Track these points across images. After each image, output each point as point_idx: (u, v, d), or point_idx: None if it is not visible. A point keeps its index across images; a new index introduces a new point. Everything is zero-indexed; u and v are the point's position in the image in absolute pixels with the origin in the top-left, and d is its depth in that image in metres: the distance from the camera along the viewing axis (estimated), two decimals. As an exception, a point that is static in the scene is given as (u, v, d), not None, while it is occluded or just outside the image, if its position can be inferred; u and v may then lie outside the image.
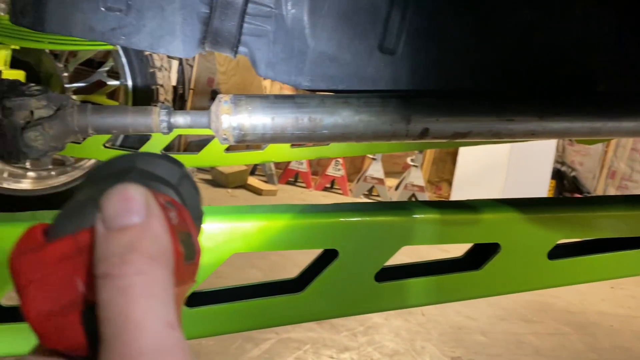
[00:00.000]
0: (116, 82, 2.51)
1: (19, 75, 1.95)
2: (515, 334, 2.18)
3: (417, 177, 5.51)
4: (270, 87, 5.56)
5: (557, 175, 6.29)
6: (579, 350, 2.15)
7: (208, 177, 4.82)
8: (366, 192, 5.63)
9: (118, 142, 2.15)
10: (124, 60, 2.27)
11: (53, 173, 2.51)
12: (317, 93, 0.92)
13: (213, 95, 5.52)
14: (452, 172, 6.00)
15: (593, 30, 0.81)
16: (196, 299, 0.55)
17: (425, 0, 0.75)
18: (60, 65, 2.49)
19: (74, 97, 2.58)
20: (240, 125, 0.83)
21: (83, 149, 1.64)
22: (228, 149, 1.76)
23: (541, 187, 5.62)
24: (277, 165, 5.39)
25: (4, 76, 1.79)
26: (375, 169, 5.51)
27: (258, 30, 0.83)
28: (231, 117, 0.84)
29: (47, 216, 0.51)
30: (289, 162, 5.38)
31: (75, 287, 0.28)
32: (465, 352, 1.91)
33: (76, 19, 0.77)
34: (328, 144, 1.83)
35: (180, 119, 0.92)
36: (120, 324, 0.25)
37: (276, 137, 0.86)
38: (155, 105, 2.28)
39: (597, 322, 2.53)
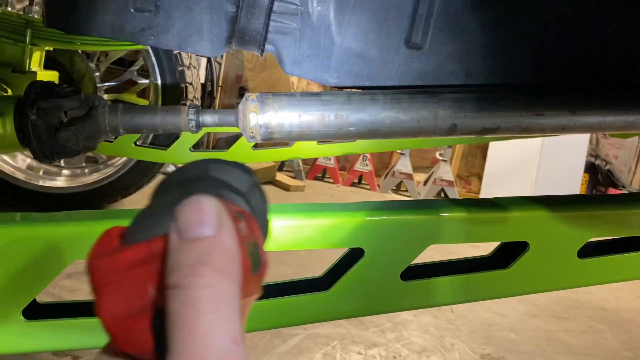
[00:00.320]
0: (146, 81, 2.56)
1: (52, 75, 2.00)
2: (547, 331, 2.14)
3: (446, 171, 5.45)
4: (297, 83, 5.57)
5: (591, 168, 6.13)
6: (612, 348, 2.10)
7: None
8: (394, 188, 5.60)
9: (149, 141, 2.18)
10: (153, 59, 2.30)
11: (86, 171, 2.57)
12: (345, 89, 0.92)
13: (241, 92, 5.56)
14: (482, 167, 5.91)
15: (627, 22, 0.79)
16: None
17: (453, -7, 0.74)
18: (92, 65, 2.55)
19: (106, 95, 2.64)
20: (267, 123, 0.84)
21: (115, 147, 1.67)
22: (255, 146, 1.78)
23: (574, 181, 5.49)
24: (305, 161, 5.40)
25: (39, 77, 1.85)
26: (403, 164, 5.47)
27: (284, 28, 0.83)
28: (258, 116, 0.84)
29: (82, 216, 0.53)
30: (316, 158, 5.39)
31: (147, 293, 0.29)
32: (495, 349, 1.89)
33: (106, 20, 0.79)
34: (355, 140, 1.83)
35: (208, 117, 0.93)
36: (186, 337, 0.26)
37: (302, 135, 0.87)
38: (184, 104, 2.32)
39: (633, 319, 2.47)
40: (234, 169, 0.40)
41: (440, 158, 5.51)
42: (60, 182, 2.53)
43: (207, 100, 4.72)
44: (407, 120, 0.86)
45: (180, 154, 1.67)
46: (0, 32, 1.83)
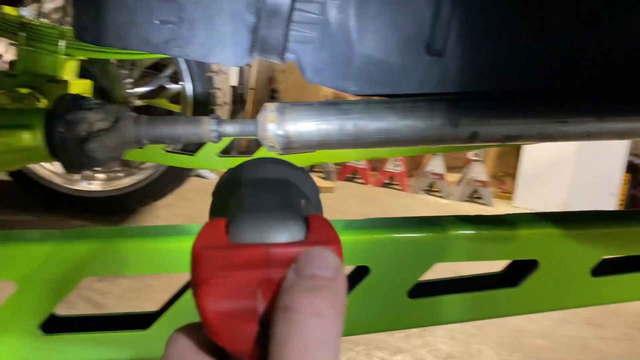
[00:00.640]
0: (176, 87, 2.61)
1: (85, 84, 2.06)
2: (579, 338, 2.08)
3: (480, 172, 5.36)
4: (327, 85, 5.56)
5: (632, 168, 5.93)
6: (650, 357, 2.03)
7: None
8: (426, 188, 5.55)
9: (178, 147, 2.23)
10: (183, 65, 2.34)
11: (120, 175, 2.64)
12: (365, 97, 0.92)
13: (272, 94, 5.60)
14: (516, 167, 5.80)
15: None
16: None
17: (475, -2, 0.73)
18: (126, 71, 2.61)
19: (139, 101, 2.70)
20: (285, 133, 0.85)
21: (145, 153, 1.71)
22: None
23: (613, 181, 5.32)
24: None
25: (72, 86, 1.90)
26: (435, 164, 5.41)
27: (304, 37, 0.84)
28: (277, 126, 0.85)
29: (95, 234, 0.54)
30: (346, 159, 5.38)
31: (256, 297, 0.29)
32: (524, 356, 1.85)
33: (132, 32, 0.80)
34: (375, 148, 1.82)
35: (229, 127, 0.94)
36: None
37: (321, 144, 0.87)
38: (213, 110, 2.34)
39: (672, 327, 2.38)
40: (307, 177, 0.40)
41: (474, 158, 5.42)
42: (95, 186, 2.60)
43: (239, 103, 4.78)
44: (426, 128, 0.86)
45: (208, 160, 1.70)
46: (36, 42, 1.90)
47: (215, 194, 0.41)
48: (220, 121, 0.95)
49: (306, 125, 0.86)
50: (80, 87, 2.02)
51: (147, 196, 2.55)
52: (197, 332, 0.31)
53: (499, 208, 5.27)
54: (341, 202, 4.27)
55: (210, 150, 1.66)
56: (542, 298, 0.58)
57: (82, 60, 2.14)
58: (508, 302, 0.57)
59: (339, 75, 0.85)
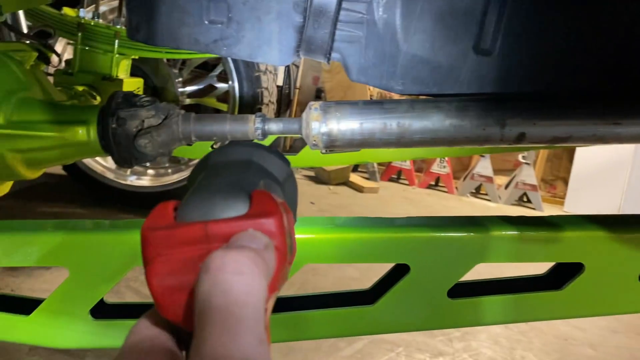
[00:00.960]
0: (224, 86, 2.65)
1: (138, 82, 2.13)
2: (630, 349, 1.99)
3: (529, 175, 5.21)
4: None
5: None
6: None
7: (311, 173, 4.92)
8: (473, 191, 5.44)
9: (225, 144, 2.27)
10: (231, 65, 2.38)
11: (169, 171, 2.71)
12: (410, 97, 0.91)
13: (318, 93, 5.63)
14: (568, 170, 5.60)
15: None
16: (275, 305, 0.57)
17: (525, -4, 0.71)
18: (176, 70, 2.68)
19: (188, 100, 2.76)
20: (329, 131, 0.85)
21: (193, 150, 1.74)
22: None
23: (673, 186, 5.06)
24: (380, 162, 5.37)
25: (125, 84, 1.97)
26: (483, 167, 5.30)
27: (350, 37, 0.84)
28: (321, 124, 0.86)
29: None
30: (391, 160, 5.34)
31: (196, 270, 0.30)
32: (571, 365, 1.80)
33: (182, 32, 0.82)
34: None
35: (273, 126, 0.95)
36: (214, 327, 0.26)
37: (364, 143, 0.87)
38: (260, 109, 2.37)
39: None
40: (274, 158, 0.42)
41: (524, 161, 5.28)
42: (145, 182, 2.68)
43: (285, 102, 4.82)
44: (472, 128, 0.84)
45: (253, 157, 1.72)
46: (92, 42, 1.98)
47: (189, 179, 0.43)
48: (265, 119, 0.96)
49: (350, 124, 0.86)
50: (133, 85, 2.08)
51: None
52: (158, 314, 0.33)
53: (549, 213, 5.11)
54: (384, 203, 4.25)
55: (256, 148, 1.68)
56: (587, 302, 0.56)
57: (134, 59, 2.21)
58: (551, 305, 0.56)
59: (384, 74, 0.84)
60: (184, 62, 2.86)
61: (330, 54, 0.83)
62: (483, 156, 5.34)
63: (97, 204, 2.69)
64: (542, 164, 5.97)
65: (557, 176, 6.07)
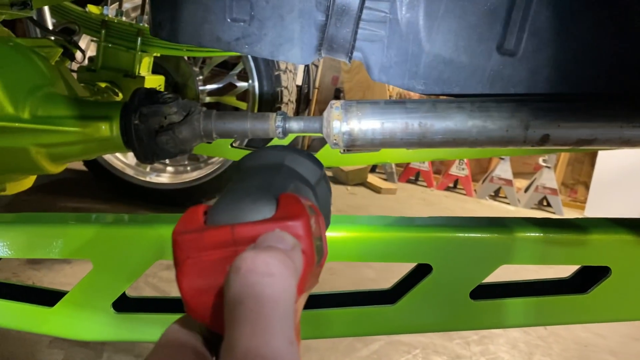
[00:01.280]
0: (244, 84, 2.66)
1: (159, 80, 2.15)
2: (652, 358, 1.96)
3: (549, 178, 5.14)
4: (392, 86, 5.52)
5: None
6: None
7: (329, 173, 4.92)
8: (492, 194, 5.39)
9: (244, 143, 2.28)
10: (251, 63, 2.39)
11: (188, 168, 2.73)
12: (431, 97, 0.90)
13: (337, 93, 5.63)
14: (589, 174, 5.52)
15: None
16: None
17: (552, -5, 0.70)
18: (196, 69, 2.70)
19: (208, 98, 2.78)
20: (350, 130, 0.85)
21: (213, 148, 1.75)
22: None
23: (697, 193, 4.95)
24: (398, 163, 5.35)
25: (147, 81, 1.99)
26: (503, 169, 5.25)
27: (372, 36, 0.84)
28: (342, 123, 0.85)
29: (165, 219, 0.57)
30: (410, 161, 5.31)
31: (224, 272, 0.30)
32: (591, 372, 1.77)
33: (205, 30, 0.83)
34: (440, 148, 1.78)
35: (294, 124, 0.95)
36: (245, 328, 0.26)
37: (385, 143, 0.87)
38: (279, 107, 2.38)
39: None
40: (306, 160, 0.43)
41: (544, 164, 5.22)
42: (164, 179, 2.70)
43: (304, 102, 4.82)
44: (496, 129, 0.83)
45: (272, 156, 1.73)
46: (115, 40, 2.00)
47: (226, 182, 0.43)
48: (286, 117, 0.97)
49: (371, 123, 0.85)
50: (154, 82, 2.11)
51: (212, 190, 2.62)
52: (190, 318, 0.33)
53: (570, 217, 5.04)
54: (402, 205, 4.23)
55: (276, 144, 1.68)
56: (613, 307, 0.55)
57: (156, 57, 2.23)
58: (576, 309, 0.55)
59: (406, 73, 0.84)
60: (204, 60, 2.88)
61: (352, 53, 0.83)
62: (503, 159, 5.28)
63: (117, 200, 2.72)
64: (563, 168, 5.89)
65: (578, 180, 5.98)
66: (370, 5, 0.79)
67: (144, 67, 2.08)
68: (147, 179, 2.68)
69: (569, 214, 5.24)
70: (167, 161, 2.71)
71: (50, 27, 1.83)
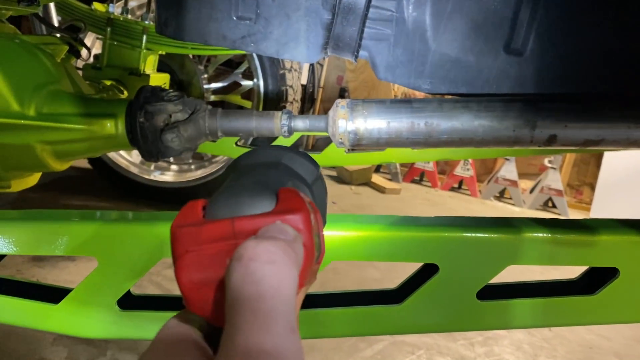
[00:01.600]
0: (249, 83, 2.66)
1: (164, 77, 2.15)
2: (657, 361, 1.95)
3: (555, 180, 5.12)
4: (397, 85, 5.51)
5: None
6: None
7: (333, 173, 4.92)
8: (497, 195, 5.37)
9: (249, 142, 2.28)
10: (256, 62, 2.39)
11: (192, 167, 2.73)
12: (437, 96, 0.90)
13: (342, 93, 5.62)
14: (595, 176, 5.50)
15: None
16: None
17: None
18: (201, 67, 2.70)
19: (213, 96, 2.78)
20: (356, 129, 0.84)
21: (217, 146, 1.76)
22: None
23: None
24: (403, 163, 5.34)
25: (152, 79, 1.99)
26: (508, 170, 5.23)
27: (378, 34, 0.83)
28: (347, 122, 0.85)
29: (171, 217, 0.57)
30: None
31: (224, 266, 0.31)
32: (596, 374, 1.75)
33: (211, 28, 0.83)
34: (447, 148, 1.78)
35: (299, 123, 0.95)
36: (246, 316, 0.26)
37: (391, 142, 0.86)
38: (284, 106, 2.38)
39: None
40: (303, 160, 0.43)
41: (549, 165, 5.20)
42: (168, 177, 2.71)
43: (309, 101, 4.82)
44: (502, 129, 0.83)
45: (276, 155, 1.72)
46: (121, 37, 2.00)
47: (221, 180, 0.43)
48: (291, 116, 0.96)
49: (377, 123, 0.85)
50: (159, 80, 2.11)
51: (216, 188, 2.61)
52: (190, 312, 0.33)
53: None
54: (406, 205, 4.22)
55: (281, 144, 1.68)
56: (621, 308, 0.54)
57: (161, 55, 2.23)
58: (584, 310, 0.54)
59: (412, 73, 0.83)
60: (209, 58, 2.88)
61: (358, 52, 0.83)
62: (508, 159, 5.27)
63: (121, 198, 2.72)
64: (569, 169, 5.87)
65: (584, 182, 5.96)
66: (377, 4, 0.78)
67: (149, 65, 2.09)
68: (152, 177, 2.68)
69: (575, 215, 5.22)
70: (171, 159, 2.71)
71: (56, 24, 1.83)
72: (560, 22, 0.74)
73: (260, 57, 2.38)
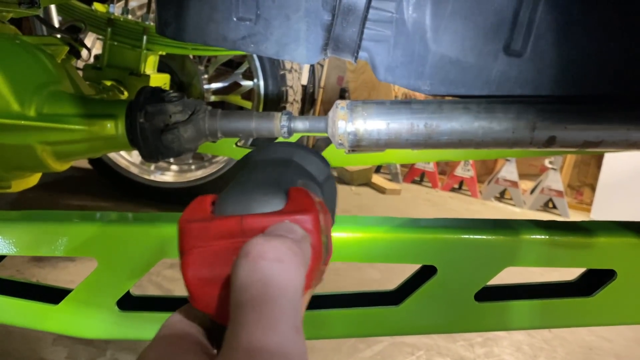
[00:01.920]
0: (249, 83, 2.66)
1: (164, 78, 2.15)
2: (657, 362, 1.94)
3: (555, 180, 5.12)
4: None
5: None
6: None
7: (334, 173, 4.90)
8: (497, 195, 5.37)
9: (249, 142, 2.28)
10: (257, 63, 2.39)
11: (193, 167, 2.73)
12: (438, 98, 0.90)
13: (342, 93, 5.62)
14: (596, 177, 5.50)
15: None
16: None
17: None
18: (202, 67, 2.70)
19: (213, 97, 2.78)
20: (355, 130, 0.84)
21: (217, 147, 1.76)
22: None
23: None
24: (403, 164, 5.34)
25: (152, 79, 1.99)
26: (508, 171, 5.23)
27: (378, 36, 0.83)
28: (347, 123, 0.85)
29: (170, 218, 0.57)
30: (415, 161, 5.28)
31: (230, 263, 0.30)
32: (596, 375, 1.76)
33: (211, 29, 0.83)
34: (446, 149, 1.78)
35: (299, 124, 0.95)
36: (251, 315, 0.25)
37: (390, 143, 0.86)
38: (284, 107, 2.38)
39: None
40: (315, 158, 0.42)
41: (550, 166, 5.19)
42: (168, 177, 2.71)
43: (309, 102, 4.82)
44: (502, 130, 0.83)
45: (277, 155, 1.72)
46: (121, 38, 2.00)
47: (230, 176, 0.43)
48: (291, 117, 0.96)
49: (376, 124, 0.85)
50: (160, 80, 2.11)
51: (216, 189, 2.62)
52: (193, 308, 0.33)
53: (576, 220, 5.01)
54: (407, 205, 4.22)
55: (280, 146, 1.68)
56: (618, 310, 0.55)
57: (161, 56, 2.23)
58: (581, 312, 0.54)
59: (412, 74, 0.84)
60: (209, 59, 2.88)
61: (357, 53, 0.83)
62: (508, 160, 5.27)
63: (121, 198, 2.73)
64: (569, 170, 5.87)
65: (584, 182, 5.96)
66: (377, 5, 0.79)
67: (150, 65, 2.09)
68: (152, 177, 2.68)
69: (575, 216, 5.22)
70: (171, 160, 2.71)
71: (57, 25, 1.83)
72: (559, 23, 0.74)
73: (260, 57, 2.39)
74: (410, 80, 0.85)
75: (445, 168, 5.74)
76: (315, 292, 0.68)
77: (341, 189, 4.43)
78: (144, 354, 0.30)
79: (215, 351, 0.32)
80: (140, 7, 2.65)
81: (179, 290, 1.82)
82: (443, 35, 0.80)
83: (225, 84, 2.82)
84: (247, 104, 2.70)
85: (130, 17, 2.20)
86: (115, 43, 2.01)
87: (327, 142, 2.01)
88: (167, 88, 2.22)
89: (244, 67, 2.75)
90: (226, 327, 0.29)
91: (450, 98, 0.86)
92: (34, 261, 1.88)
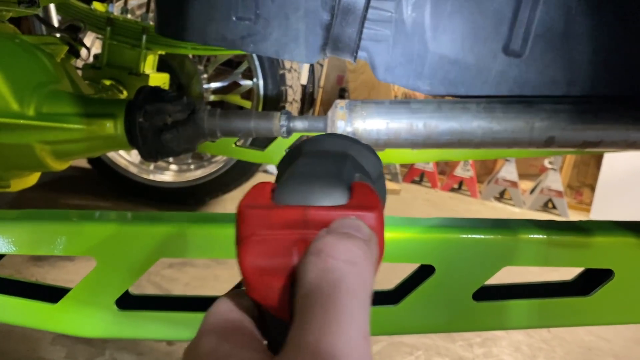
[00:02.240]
0: (249, 83, 2.66)
1: (164, 77, 2.15)
2: (656, 362, 1.95)
3: (555, 181, 5.12)
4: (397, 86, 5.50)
5: None
6: None
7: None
8: (497, 195, 5.37)
9: (248, 142, 2.28)
10: (256, 62, 2.39)
11: (192, 167, 2.73)
12: (437, 97, 0.90)
13: (342, 93, 5.62)
14: (595, 177, 5.49)
15: None
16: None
17: (559, -3, 0.69)
18: (201, 67, 2.70)
19: (212, 96, 2.78)
20: (354, 130, 0.85)
21: (217, 146, 1.76)
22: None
23: None
24: (403, 163, 5.34)
25: (151, 79, 1.99)
26: (508, 171, 5.23)
27: (378, 35, 0.84)
28: (346, 123, 0.85)
29: (170, 218, 0.57)
30: (414, 161, 5.28)
31: (292, 256, 0.29)
32: (595, 375, 1.76)
33: (211, 28, 0.83)
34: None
35: (298, 123, 0.95)
36: (320, 315, 0.24)
37: (390, 143, 0.87)
38: (284, 107, 2.37)
39: None
40: (369, 154, 0.41)
41: (550, 166, 5.19)
42: (167, 177, 2.71)
43: (309, 101, 4.82)
44: (501, 130, 0.83)
45: (277, 156, 1.73)
46: (120, 37, 2.00)
47: (280, 164, 0.42)
48: (290, 117, 0.97)
49: (375, 123, 0.85)
50: (159, 80, 2.11)
51: (216, 189, 2.62)
52: (240, 296, 0.31)
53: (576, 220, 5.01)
54: (407, 205, 4.22)
55: (280, 146, 1.68)
56: (616, 309, 0.55)
57: (161, 55, 2.23)
58: (579, 312, 0.54)
59: (411, 73, 0.83)
60: (209, 58, 2.88)
61: (357, 53, 0.83)
62: (508, 160, 5.27)
63: (120, 198, 2.73)
64: (569, 170, 5.87)
65: (584, 183, 5.96)
66: (376, 5, 0.79)
67: (149, 65, 2.09)
68: (151, 177, 2.68)
69: (575, 216, 5.22)
70: (170, 159, 2.71)
71: (56, 24, 1.83)
72: (558, 23, 0.74)
73: (260, 57, 2.38)
74: (409, 80, 0.85)
75: (445, 168, 5.74)
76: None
77: (340, 189, 4.42)
78: (194, 347, 0.27)
79: (265, 342, 0.30)
80: (140, 6, 2.64)
81: (178, 289, 1.82)
82: (442, 35, 0.80)
83: (225, 84, 2.82)
84: (247, 104, 2.70)
85: (129, 16, 2.20)
86: (115, 42, 2.01)
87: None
88: (167, 87, 2.22)
89: (243, 67, 2.75)
90: (279, 320, 0.29)
91: (449, 98, 0.86)
92: (33, 260, 1.88)
